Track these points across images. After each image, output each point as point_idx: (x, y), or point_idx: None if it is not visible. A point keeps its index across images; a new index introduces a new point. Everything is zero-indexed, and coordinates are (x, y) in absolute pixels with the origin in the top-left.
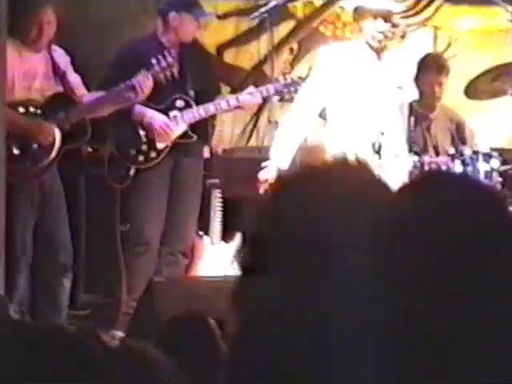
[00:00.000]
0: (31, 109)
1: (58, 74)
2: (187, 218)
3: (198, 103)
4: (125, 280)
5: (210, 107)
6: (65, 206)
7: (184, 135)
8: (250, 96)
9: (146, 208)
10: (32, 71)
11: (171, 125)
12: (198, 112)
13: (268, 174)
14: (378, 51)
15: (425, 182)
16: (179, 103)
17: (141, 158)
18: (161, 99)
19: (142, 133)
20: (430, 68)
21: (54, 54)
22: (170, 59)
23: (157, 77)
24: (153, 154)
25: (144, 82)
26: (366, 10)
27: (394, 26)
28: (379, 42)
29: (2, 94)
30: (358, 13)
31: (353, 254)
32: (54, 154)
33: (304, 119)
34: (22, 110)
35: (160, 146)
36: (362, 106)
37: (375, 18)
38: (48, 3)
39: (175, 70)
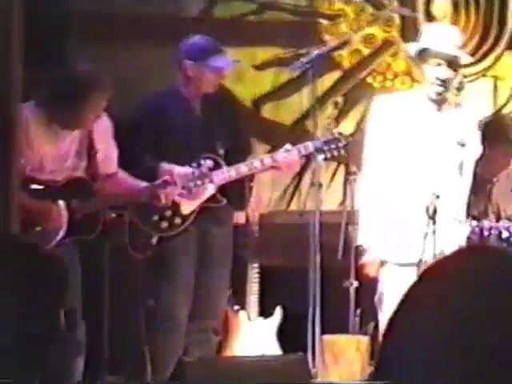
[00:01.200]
0: (45, 189)
1: (90, 153)
2: (218, 292)
3: (228, 163)
4: (149, 360)
5: (242, 167)
6: (79, 283)
7: (212, 199)
8: (287, 154)
9: (172, 280)
10: (64, 153)
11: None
12: (229, 173)
13: (370, 256)
14: (439, 102)
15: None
16: (207, 163)
17: (164, 224)
18: (186, 158)
19: None
20: (500, 136)
21: (93, 129)
22: (204, 169)
23: (186, 186)
24: (177, 221)
25: (171, 192)
26: (433, 53)
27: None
28: (439, 91)
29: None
30: (422, 57)
31: None
32: (55, 242)
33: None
34: (35, 186)
35: (186, 211)
36: (417, 163)
37: (439, 64)
38: (109, 91)
39: (206, 180)
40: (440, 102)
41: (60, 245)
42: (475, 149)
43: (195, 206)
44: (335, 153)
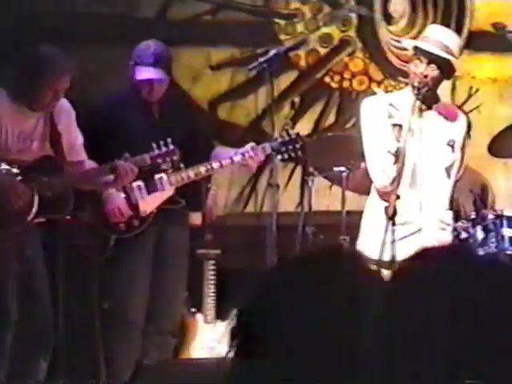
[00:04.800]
0: (14, 169)
1: (52, 136)
2: (175, 294)
3: (186, 165)
4: (104, 362)
5: (201, 169)
6: (47, 282)
7: (171, 200)
8: (243, 156)
9: (129, 283)
10: (29, 132)
11: (125, 211)
12: (187, 174)
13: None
14: (426, 101)
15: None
16: (165, 165)
17: (122, 226)
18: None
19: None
20: None
21: (54, 112)
22: (171, 146)
23: (153, 163)
24: (135, 222)
25: (129, 171)
26: (420, 50)
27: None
28: (416, 85)
29: None
30: (415, 54)
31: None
32: (28, 220)
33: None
34: (3, 167)
35: (144, 212)
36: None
37: (421, 61)
38: (69, 73)
39: (175, 157)
40: (430, 101)
41: (29, 225)
42: (460, 152)
43: (154, 208)
44: (292, 154)
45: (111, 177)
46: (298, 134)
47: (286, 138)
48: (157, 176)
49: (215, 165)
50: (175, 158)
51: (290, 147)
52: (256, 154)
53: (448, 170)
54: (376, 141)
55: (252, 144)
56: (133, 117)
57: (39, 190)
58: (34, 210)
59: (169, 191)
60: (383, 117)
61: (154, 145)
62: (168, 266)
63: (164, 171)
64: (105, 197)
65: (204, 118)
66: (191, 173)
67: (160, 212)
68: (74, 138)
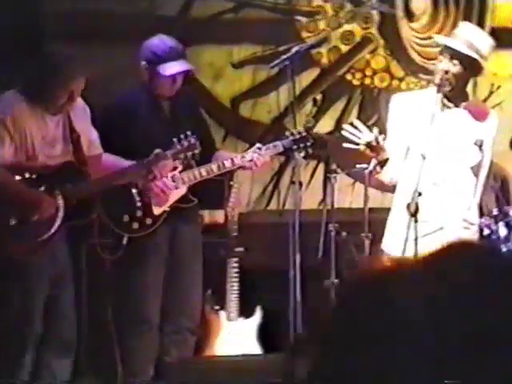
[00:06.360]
0: (39, 177)
1: (73, 138)
2: (190, 291)
3: (198, 163)
4: (120, 362)
5: (213, 167)
6: (72, 284)
7: (183, 199)
8: (258, 154)
9: (142, 282)
10: (51, 136)
11: (170, 185)
12: (199, 172)
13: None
14: (455, 101)
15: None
16: (187, 160)
17: (135, 225)
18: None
19: (136, 197)
20: None
21: (71, 114)
22: (192, 140)
23: (176, 158)
24: (148, 221)
25: (164, 167)
26: (447, 48)
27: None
28: (439, 83)
29: None
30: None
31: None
32: (54, 229)
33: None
34: (28, 175)
35: (157, 211)
36: (431, 162)
37: (451, 58)
38: (84, 74)
39: (196, 151)
40: (457, 99)
41: (56, 233)
42: (489, 151)
43: (166, 207)
44: (303, 152)
45: (151, 171)
46: (308, 132)
47: (297, 136)
48: (169, 174)
49: (227, 163)
50: (196, 151)
51: (302, 145)
52: (260, 155)
53: (474, 169)
54: (400, 138)
55: (257, 146)
56: (144, 115)
57: (64, 197)
58: (59, 220)
59: (182, 190)
60: (410, 114)
61: (175, 139)
62: (182, 264)
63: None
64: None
65: (225, 113)
66: (203, 171)
67: (172, 210)
68: (91, 135)
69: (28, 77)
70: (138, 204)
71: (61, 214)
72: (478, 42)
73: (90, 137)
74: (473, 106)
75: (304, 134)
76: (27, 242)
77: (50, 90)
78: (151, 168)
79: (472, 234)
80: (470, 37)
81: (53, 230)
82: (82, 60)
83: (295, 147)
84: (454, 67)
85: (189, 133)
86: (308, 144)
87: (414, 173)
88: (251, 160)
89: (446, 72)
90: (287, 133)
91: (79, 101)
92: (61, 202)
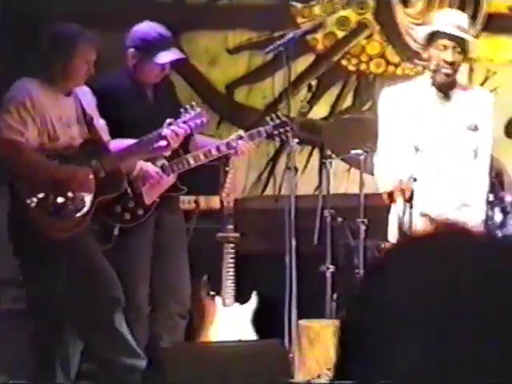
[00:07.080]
0: (64, 155)
1: (86, 119)
2: (178, 277)
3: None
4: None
5: (200, 155)
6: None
7: (173, 187)
8: (242, 141)
9: (133, 270)
10: (68, 117)
11: (162, 174)
12: (187, 160)
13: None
14: (446, 88)
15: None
16: (199, 127)
17: (127, 215)
18: None
19: (128, 187)
20: None
21: (80, 96)
22: (198, 109)
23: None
24: (140, 212)
25: (179, 134)
26: (442, 35)
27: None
28: (448, 73)
29: None
30: (431, 40)
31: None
32: (88, 204)
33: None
34: (52, 155)
35: (148, 201)
36: (427, 151)
37: (445, 47)
38: (95, 43)
39: (204, 120)
40: (448, 87)
41: (84, 220)
42: (489, 131)
43: (157, 196)
44: (283, 137)
45: (163, 142)
46: (287, 117)
47: (277, 122)
48: (159, 163)
49: (213, 151)
50: (204, 120)
51: (282, 130)
52: (242, 142)
53: (475, 151)
54: (392, 134)
55: (240, 133)
56: (128, 101)
57: (93, 171)
58: (92, 194)
59: (171, 178)
60: (402, 108)
61: (182, 110)
62: (168, 250)
63: (165, 158)
64: (140, 173)
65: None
66: (191, 159)
67: (161, 200)
68: (100, 121)
69: (42, 58)
70: (130, 194)
71: (93, 188)
72: (464, 23)
73: (100, 122)
74: (462, 90)
75: (284, 118)
76: (67, 217)
77: (68, 63)
78: (166, 137)
79: (473, 219)
80: (458, 21)
81: (88, 205)
82: (90, 32)
83: (276, 132)
84: (459, 56)
85: (194, 103)
86: (287, 129)
87: (409, 162)
88: (235, 147)
89: (452, 63)
90: (267, 118)
91: (85, 86)
92: (91, 176)
